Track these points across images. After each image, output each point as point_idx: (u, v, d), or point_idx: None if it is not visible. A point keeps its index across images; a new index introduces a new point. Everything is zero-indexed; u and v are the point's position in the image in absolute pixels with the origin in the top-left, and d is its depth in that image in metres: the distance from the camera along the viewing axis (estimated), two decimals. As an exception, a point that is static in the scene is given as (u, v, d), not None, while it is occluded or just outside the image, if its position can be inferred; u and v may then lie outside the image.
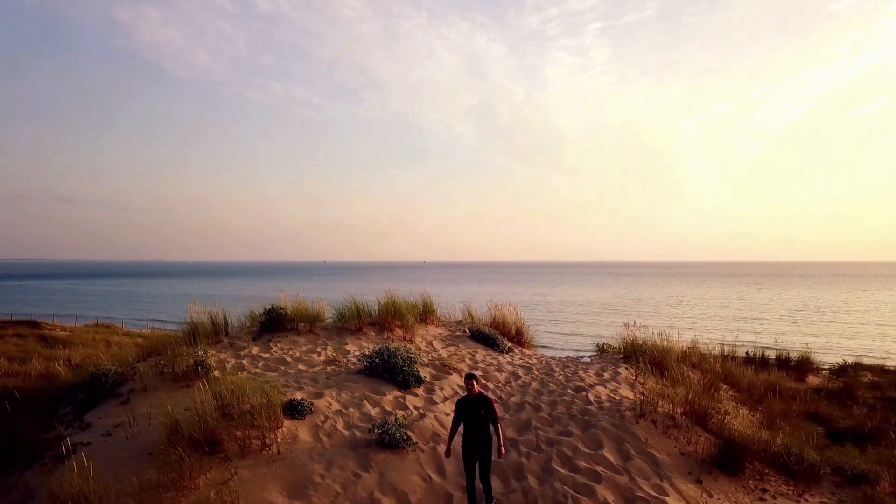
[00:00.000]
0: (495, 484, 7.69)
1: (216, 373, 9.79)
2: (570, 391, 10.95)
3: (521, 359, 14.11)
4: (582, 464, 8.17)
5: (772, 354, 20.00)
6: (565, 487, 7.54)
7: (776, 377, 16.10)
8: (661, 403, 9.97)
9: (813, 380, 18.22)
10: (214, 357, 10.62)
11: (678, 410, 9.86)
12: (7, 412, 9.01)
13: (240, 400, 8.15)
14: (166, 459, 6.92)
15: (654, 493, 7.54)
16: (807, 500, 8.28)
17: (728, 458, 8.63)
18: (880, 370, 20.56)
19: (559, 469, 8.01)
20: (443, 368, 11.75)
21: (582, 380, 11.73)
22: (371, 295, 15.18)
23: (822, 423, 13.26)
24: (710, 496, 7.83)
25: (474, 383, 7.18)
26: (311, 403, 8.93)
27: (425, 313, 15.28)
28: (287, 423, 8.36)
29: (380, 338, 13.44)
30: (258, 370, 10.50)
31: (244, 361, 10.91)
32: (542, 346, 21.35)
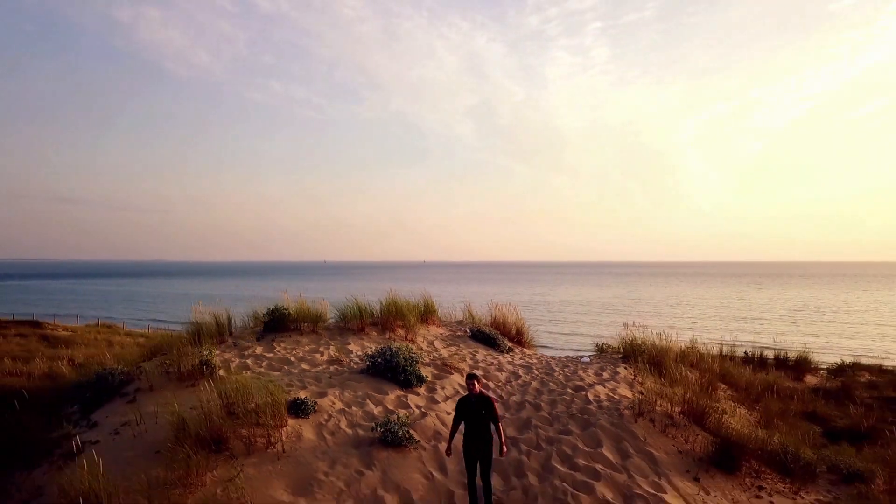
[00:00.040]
0: (496, 481, 7.83)
1: (221, 372, 9.94)
2: (569, 390, 11.09)
3: (521, 358, 14.25)
4: (581, 462, 8.30)
5: (770, 354, 20.15)
6: (565, 485, 7.68)
7: (774, 377, 16.24)
8: (659, 402, 10.11)
9: (811, 379, 18.36)
10: (219, 357, 10.77)
11: (676, 409, 10.01)
12: (16, 411, 9.15)
13: (245, 399, 8.29)
14: (174, 457, 7.06)
15: (652, 491, 7.68)
16: (802, 498, 8.41)
17: (725, 457, 8.77)
18: (878, 370, 20.72)
19: (559, 467, 8.15)
20: (444, 368, 11.89)
21: (581, 379, 11.87)
22: (372, 295, 15.31)
23: (820, 422, 13.40)
24: (708, 494, 7.96)
25: (475, 383, 7.27)
26: (315, 402, 9.07)
27: (426, 313, 15.42)
28: (291, 421, 8.50)
29: (382, 338, 13.59)
30: (262, 370, 10.65)
31: (248, 361, 11.07)
32: (542, 346, 21.49)
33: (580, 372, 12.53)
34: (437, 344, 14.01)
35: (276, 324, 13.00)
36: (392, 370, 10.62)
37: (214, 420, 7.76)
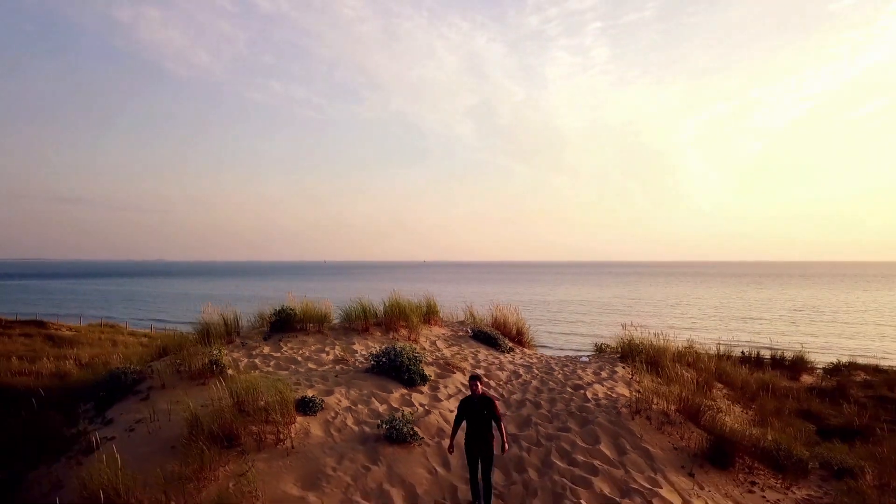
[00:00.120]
0: (497, 476, 8.11)
1: (230, 371, 10.24)
2: (568, 389, 11.40)
3: (521, 358, 14.55)
4: (580, 458, 8.59)
5: (767, 354, 20.44)
6: (564, 480, 7.96)
7: (770, 376, 16.52)
8: (655, 401, 10.41)
9: (807, 379, 18.63)
10: (228, 356, 11.07)
11: (672, 407, 10.30)
12: (34, 408, 9.44)
13: (255, 397, 8.58)
14: (188, 452, 7.34)
15: (648, 486, 7.97)
16: (794, 493, 8.71)
17: (719, 453, 9.06)
18: (874, 369, 20.97)
19: (558, 462, 8.44)
20: (446, 367, 12.19)
21: (580, 378, 12.17)
22: (373, 295, 15.60)
23: (815, 420, 13.68)
24: (702, 488, 8.25)
25: (478, 384, 7.49)
26: (322, 400, 9.37)
27: (429, 314, 15.71)
28: (300, 418, 8.80)
29: (385, 338, 13.90)
30: (270, 369, 10.96)
31: (256, 360, 11.38)
32: (542, 346, 21.77)
33: (579, 371, 12.84)
34: (440, 344, 14.32)
35: (283, 324, 13.31)
36: (396, 369, 10.93)
37: (226, 417, 8.04)
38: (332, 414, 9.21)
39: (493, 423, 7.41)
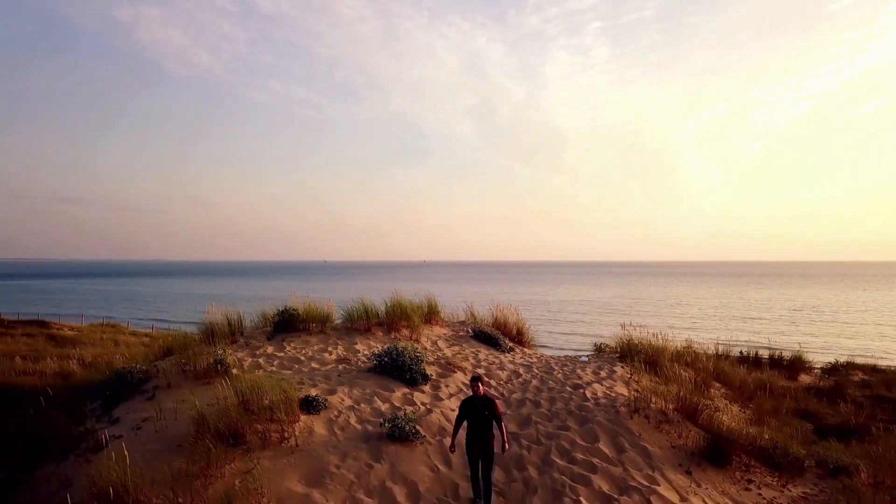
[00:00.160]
0: (498, 474, 8.25)
1: (235, 371, 10.39)
2: (568, 388, 11.55)
3: (521, 358, 14.69)
4: (579, 456, 8.74)
5: (765, 354, 20.58)
6: (563, 477, 8.10)
7: (768, 376, 16.66)
8: (654, 400, 10.55)
9: (805, 378, 18.78)
10: (232, 356, 11.21)
11: (670, 406, 10.44)
12: (41, 407, 9.58)
13: (259, 396, 8.72)
14: (195, 450, 7.48)
15: (646, 483, 8.11)
16: (790, 491, 8.85)
17: (716, 451, 9.20)
18: (871, 369, 21.11)
19: (558, 461, 8.58)
20: (448, 367, 12.34)
21: (580, 378, 12.32)
22: (373, 295, 15.75)
23: (812, 419, 13.82)
24: (699, 486, 8.39)
25: (479, 385, 7.59)
26: (326, 399, 9.52)
27: (430, 314, 15.86)
28: (303, 417, 8.94)
29: (387, 338, 14.05)
30: (274, 368, 11.11)
31: (260, 360, 11.53)
32: (541, 346, 21.92)
33: (578, 371, 12.99)
34: (441, 344, 14.47)
35: (286, 324, 13.47)
36: (398, 369, 11.08)
37: (232, 416, 8.19)
38: (336, 413, 9.36)
39: (494, 423, 7.52)
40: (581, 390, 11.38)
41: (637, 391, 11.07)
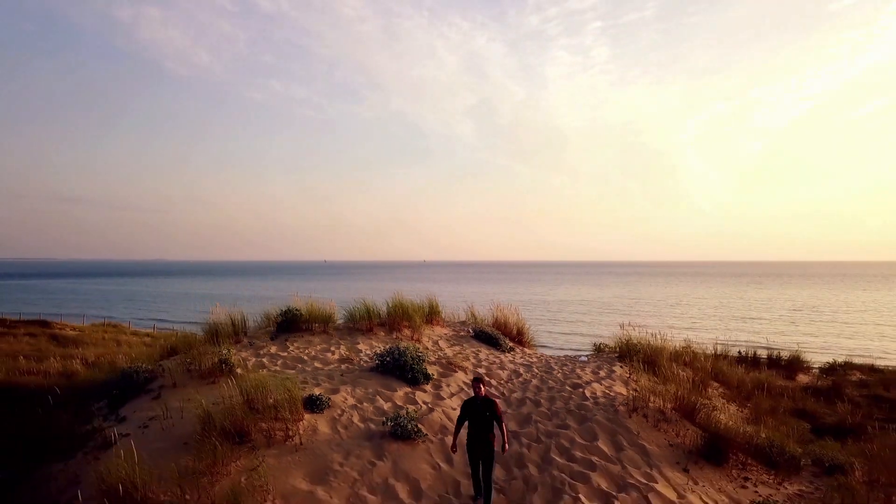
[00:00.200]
0: (498, 472, 8.39)
1: (239, 370, 10.54)
2: (567, 388, 11.70)
3: (522, 358, 14.84)
4: (578, 454, 8.89)
5: (764, 354, 20.73)
6: (563, 475, 8.25)
7: (766, 375, 16.81)
8: (652, 399, 10.70)
9: (803, 378, 18.93)
10: (236, 356, 11.36)
11: (668, 406, 10.60)
12: (49, 406, 9.74)
13: (264, 395, 8.87)
14: (201, 448, 7.63)
15: (644, 481, 8.26)
16: (786, 489, 8.99)
17: (713, 450, 9.35)
18: (869, 369, 21.27)
19: (557, 458, 8.73)
20: (449, 367, 12.49)
21: (579, 377, 12.48)
22: (374, 295, 15.91)
23: (809, 419, 13.97)
24: (696, 483, 8.54)
25: (481, 386, 7.70)
26: (329, 398, 9.67)
27: (431, 314, 16.02)
28: (307, 416, 9.10)
29: (389, 337, 14.21)
30: (277, 368, 11.27)
31: (264, 360, 11.70)
32: (541, 346, 22.07)
33: (578, 370, 13.14)
34: (442, 344, 14.63)
35: (289, 324, 13.63)
36: (400, 368, 11.24)
37: (237, 414, 8.34)
38: (339, 411, 9.51)
39: (495, 424, 7.62)
40: (580, 389, 11.53)
41: (636, 390, 11.22)
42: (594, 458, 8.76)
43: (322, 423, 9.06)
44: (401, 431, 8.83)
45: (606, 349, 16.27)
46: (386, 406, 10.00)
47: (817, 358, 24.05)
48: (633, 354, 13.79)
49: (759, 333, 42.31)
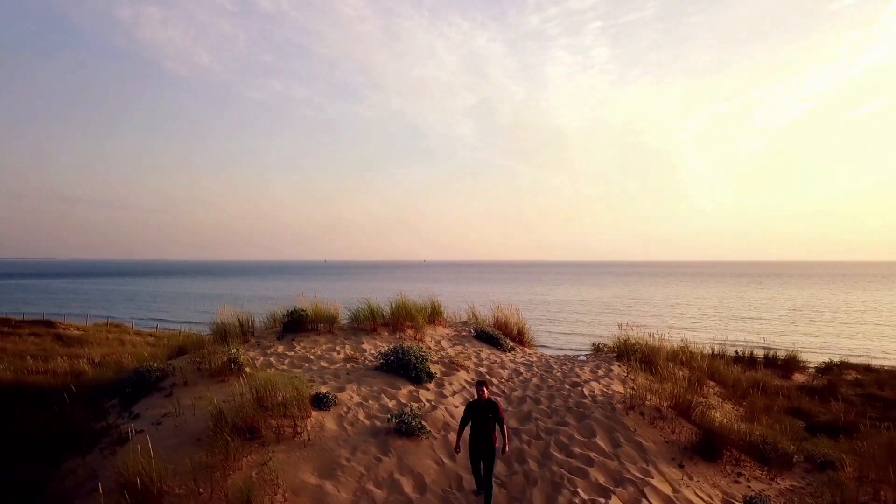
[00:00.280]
0: (499, 467, 8.67)
1: (247, 369, 10.84)
2: (566, 386, 12.01)
3: (522, 357, 15.15)
4: (577, 450, 9.18)
5: (761, 353, 21.03)
6: (562, 470, 8.55)
7: (762, 375, 17.11)
8: (649, 397, 11.01)
9: (799, 377, 19.23)
10: (244, 355, 11.66)
11: (664, 404, 10.90)
12: (65, 404, 10.04)
13: (273, 393, 9.16)
14: (214, 444, 7.92)
15: (640, 476, 8.55)
16: (778, 484, 9.29)
17: (708, 446, 9.65)
18: (865, 368, 21.56)
19: (556, 454, 9.03)
20: (451, 366, 12.80)
21: (578, 376, 12.79)
22: (375, 295, 16.21)
23: (804, 417, 14.26)
24: (691, 479, 8.84)
25: (484, 389, 7.91)
26: (335, 396, 9.97)
27: (433, 315, 16.33)
28: (315, 413, 9.39)
29: (392, 337, 14.53)
30: (285, 367, 11.58)
31: (271, 359, 12.01)
32: (541, 346, 22.36)
33: (577, 369, 13.45)
34: (444, 343, 14.94)
35: (295, 324, 13.95)
36: (404, 367, 11.55)
37: (247, 411, 8.63)
38: (345, 409, 9.81)
39: (497, 426, 7.83)
40: (579, 388, 11.84)
41: (633, 389, 11.53)
42: (592, 454, 9.06)
43: (329, 420, 9.36)
44: (405, 428, 9.12)
45: (605, 349, 16.57)
46: (390, 404, 10.30)
47: (817, 358, 24.31)
48: (631, 354, 14.10)
49: (758, 333, 42.54)
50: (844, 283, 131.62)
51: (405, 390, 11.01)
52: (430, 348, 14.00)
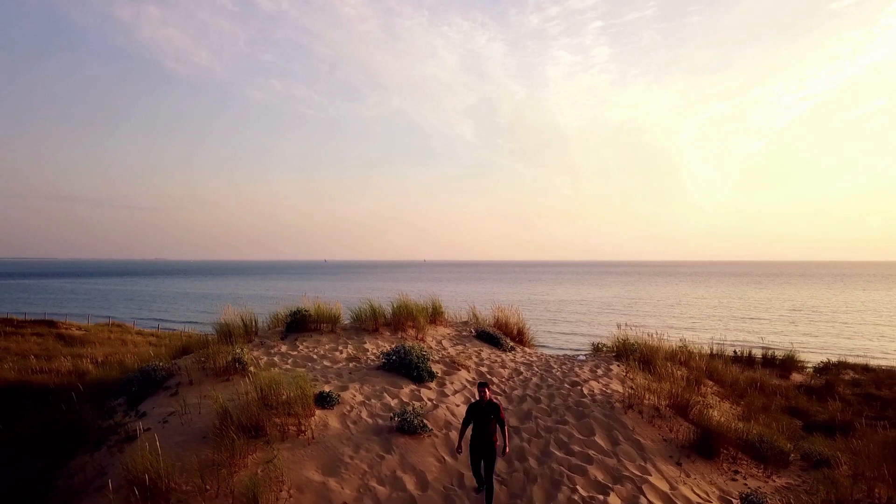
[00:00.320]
0: (500, 465, 8.81)
1: (252, 368, 11.00)
2: (566, 385, 12.18)
3: (522, 357, 15.31)
4: (576, 448, 9.34)
5: (759, 353, 21.20)
6: (561, 468, 8.70)
7: (760, 374, 17.27)
8: (647, 396, 11.17)
9: (797, 377, 19.39)
10: (249, 354, 11.81)
11: (663, 403, 11.06)
12: (73, 402, 10.19)
13: (277, 392, 9.31)
14: (220, 442, 8.07)
15: (639, 473, 8.71)
16: (774, 481, 9.45)
17: (705, 445, 9.81)
18: (863, 368, 21.74)
19: (556, 452, 9.19)
20: (452, 365, 12.96)
21: (577, 375, 12.95)
22: (375, 295, 16.40)
23: (801, 416, 14.44)
24: (688, 476, 9.00)
25: (486, 391, 8.02)
26: (339, 395, 10.13)
27: (434, 315, 16.48)
28: (318, 412, 9.55)
29: (394, 337, 14.69)
30: (288, 366, 11.73)
31: (275, 358, 12.17)
32: (541, 346, 22.50)
33: (576, 369, 13.62)
34: (445, 343, 15.10)
35: (298, 324, 14.11)
36: (406, 367, 11.71)
37: (252, 410, 8.78)
38: (348, 407, 9.97)
39: (499, 427, 7.95)
40: (578, 387, 12.00)
41: (632, 388, 11.68)
42: (591, 452, 9.22)
43: (332, 419, 9.51)
44: (407, 426, 9.27)
45: (604, 349, 16.73)
46: (393, 402, 10.45)
47: (816, 358, 24.43)
48: (630, 354, 14.26)
49: (757, 333, 42.68)
50: (844, 283, 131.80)
51: (407, 389, 11.17)
52: (431, 348, 14.15)
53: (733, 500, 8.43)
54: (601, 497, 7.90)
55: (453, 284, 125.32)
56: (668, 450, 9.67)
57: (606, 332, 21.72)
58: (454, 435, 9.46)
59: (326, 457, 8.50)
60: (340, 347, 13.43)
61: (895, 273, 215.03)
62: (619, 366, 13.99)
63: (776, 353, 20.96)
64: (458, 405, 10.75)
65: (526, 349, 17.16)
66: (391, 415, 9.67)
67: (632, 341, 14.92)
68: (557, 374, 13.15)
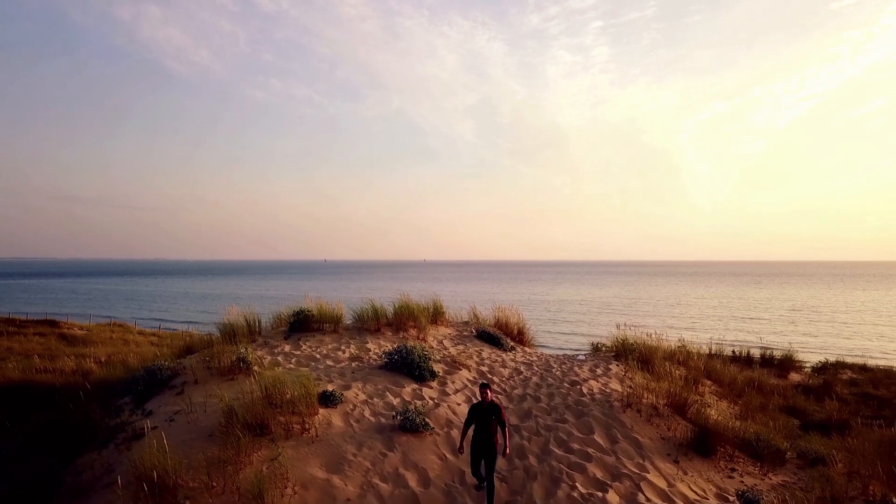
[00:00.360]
0: (501, 463, 8.94)
1: (256, 368, 11.15)
2: (566, 385, 12.33)
3: (522, 356, 15.46)
4: (575, 446, 9.50)
5: (758, 353, 21.35)
6: (561, 466, 8.86)
7: (759, 374, 17.43)
8: (646, 395, 11.33)
9: (795, 377, 19.55)
10: (253, 354, 11.96)
11: (661, 402, 11.22)
12: (80, 401, 10.35)
13: (281, 391, 9.46)
14: (226, 439, 8.22)
15: (637, 471, 8.87)
16: (770, 479, 9.61)
17: (702, 443, 9.96)
18: (860, 368, 21.90)
19: (556, 450, 9.34)
20: (453, 365, 13.12)
21: (577, 375, 13.11)
22: (376, 294, 16.57)
23: (798, 415, 14.59)
24: (685, 474, 9.16)
25: (488, 392, 8.12)
26: (342, 394, 10.28)
27: (436, 315, 16.64)
28: (322, 410, 9.70)
29: (396, 337, 14.85)
30: (292, 365, 11.89)
31: (279, 358, 12.33)
32: (541, 345, 22.65)
33: (576, 368, 13.78)
34: (446, 343, 15.26)
35: (301, 324, 14.28)
36: (408, 366, 11.87)
37: (257, 408, 8.93)
38: (351, 406, 10.13)
39: (500, 427, 8.07)
40: (578, 386, 12.15)
41: (630, 387, 11.84)
42: (590, 450, 9.37)
43: (336, 417, 9.67)
44: (409, 425, 9.42)
45: (603, 348, 16.88)
46: (395, 401, 10.61)
47: (816, 358, 24.57)
48: (629, 353, 14.42)
49: (757, 333, 42.83)
50: (844, 283, 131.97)
51: (409, 388, 11.33)
52: (432, 348, 14.31)
53: (730, 497, 8.59)
54: (600, 494, 8.05)
55: (454, 284, 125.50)
56: (665, 448, 9.82)
57: (606, 332, 21.85)
58: (455, 433, 9.61)
59: (330, 454, 8.64)
60: (343, 347, 13.59)
61: (895, 273, 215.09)
62: (618, 365, 14.15)
63: (774, 352, 21.12)
64: (459, 404, 10.90)
65: (526, 349, 17.31)
66: (393, 413, 9.82)
67: (631, 341, 15.09)
68: (557, 373, 13.31)
